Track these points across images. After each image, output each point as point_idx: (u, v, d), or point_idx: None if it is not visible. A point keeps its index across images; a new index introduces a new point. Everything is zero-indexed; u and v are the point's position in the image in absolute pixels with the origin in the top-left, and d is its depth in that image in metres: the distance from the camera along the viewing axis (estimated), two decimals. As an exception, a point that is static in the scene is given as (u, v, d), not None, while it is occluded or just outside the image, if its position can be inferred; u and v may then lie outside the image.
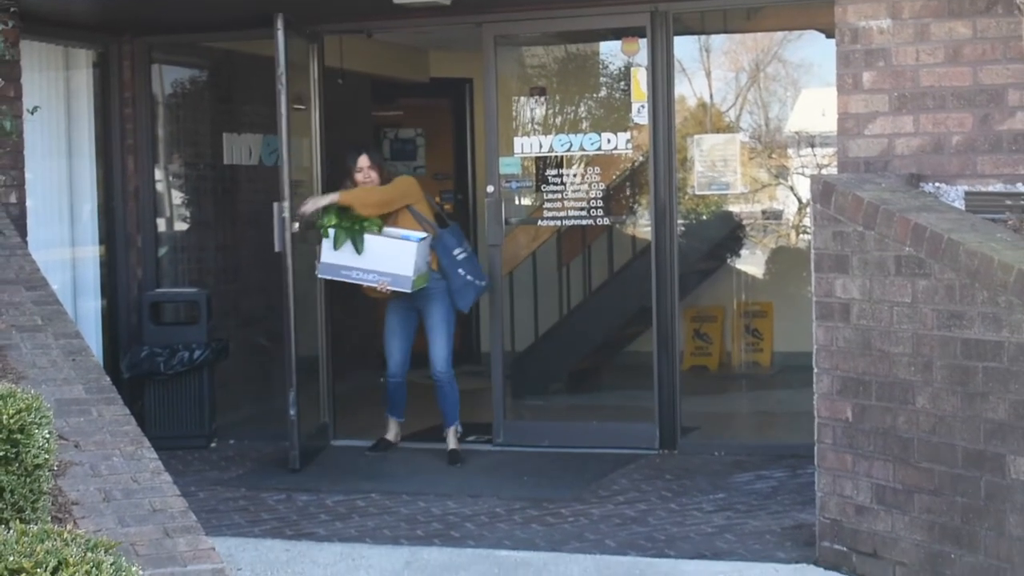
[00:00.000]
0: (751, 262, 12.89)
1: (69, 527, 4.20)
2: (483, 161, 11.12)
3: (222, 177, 12.15)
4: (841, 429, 7.36)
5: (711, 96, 12.72)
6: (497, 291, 10.88)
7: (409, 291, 9.62)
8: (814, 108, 12.17)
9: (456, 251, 10.09)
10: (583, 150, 10.82)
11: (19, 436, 4.50)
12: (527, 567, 7.51)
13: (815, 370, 7.50)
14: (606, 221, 11.06)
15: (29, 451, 4.53)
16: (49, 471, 4.66)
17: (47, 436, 4.62)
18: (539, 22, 10.91)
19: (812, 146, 12.33)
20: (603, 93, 11.97)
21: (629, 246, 11.71)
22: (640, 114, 10.42)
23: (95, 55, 10.99)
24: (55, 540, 3.74)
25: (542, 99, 11.73)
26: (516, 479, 9.50)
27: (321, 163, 11.12)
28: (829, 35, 8.36)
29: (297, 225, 10.24)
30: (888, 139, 7.77)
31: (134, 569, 3.73)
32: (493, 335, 10.84)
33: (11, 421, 4.49)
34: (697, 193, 11.52)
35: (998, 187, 7.49)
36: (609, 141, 10.79)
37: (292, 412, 10.17)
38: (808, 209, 7.76)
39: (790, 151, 12.98)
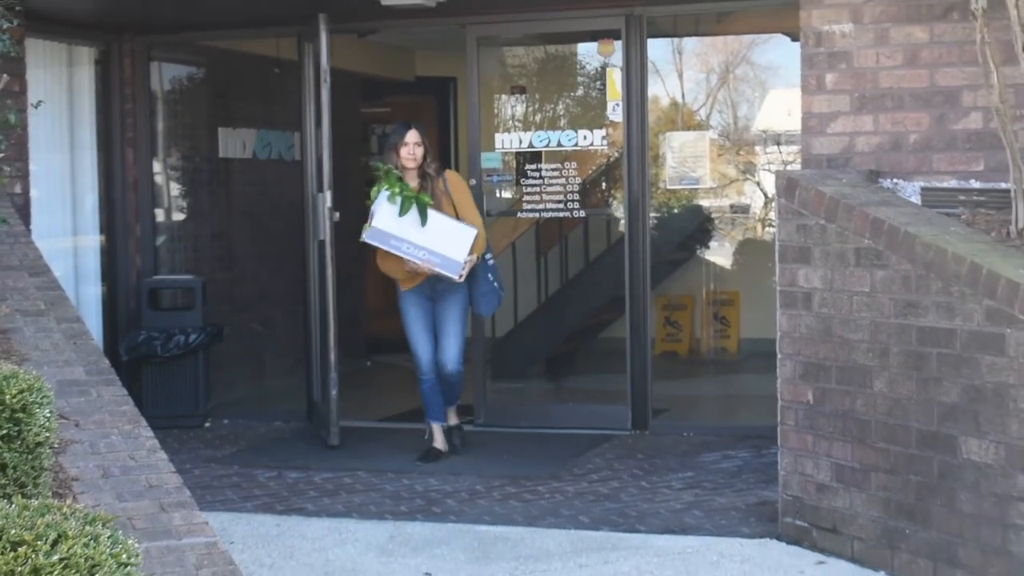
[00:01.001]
0: (719, 253, 12.92)
1: (69, 502, 4.20)
2: (466, 156, 11.12)
3: (217, 170, 12.14)
4: (803, 411, 7.38)
5: (683, 95, 12.73)
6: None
7: (456, 278, 8.86)
8: (780, 108, 12.19)
9: (487, 255, 9.40)
10: (561, 146, 10.82)
11: (21, 415, 4.50)
12: (505, 541, 7.52)
13: (779, 356, 7.52)
14: (582, 213, 11.07)
15: (31, 429, 4.53)
16: (50, 448, 4.66)
17: (48, 415, 4.61)
18: (520, 24, 10.92)
19: (778, 144, 12.35)
20: (580, 92, 11.97)
21: (604, 237, 11.73)
22: (615, 112, 10.43)
23: (97, 52, 10.98)
24: (55, 514, 3.73)
25: (522, 97, 11.74)
26: (495, 458, 9.52)
27: (322, 152, 11.06)
28: (794, 38, 8.36)
29: (338, 215, 10.23)
30: (849, 137, 7.79)
31: (130, 542, 3.72)
32: (474, 321, 10.84)
33: (14, 401, 4.49)
34: (668, 188, 11.53)
35: (952, 183, 7.52)
36: (585, 138, 10.80)
37: (334, 392, 10.19)
38: (773, 203, 7.77)
39: (757, 148, 13.00)
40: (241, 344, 11.76)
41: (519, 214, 10.92)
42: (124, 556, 3.65)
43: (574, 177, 10.82)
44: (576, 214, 10.97)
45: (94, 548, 3.62)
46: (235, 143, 12.22)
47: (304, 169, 11.13)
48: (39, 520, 3.68)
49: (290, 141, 12.06)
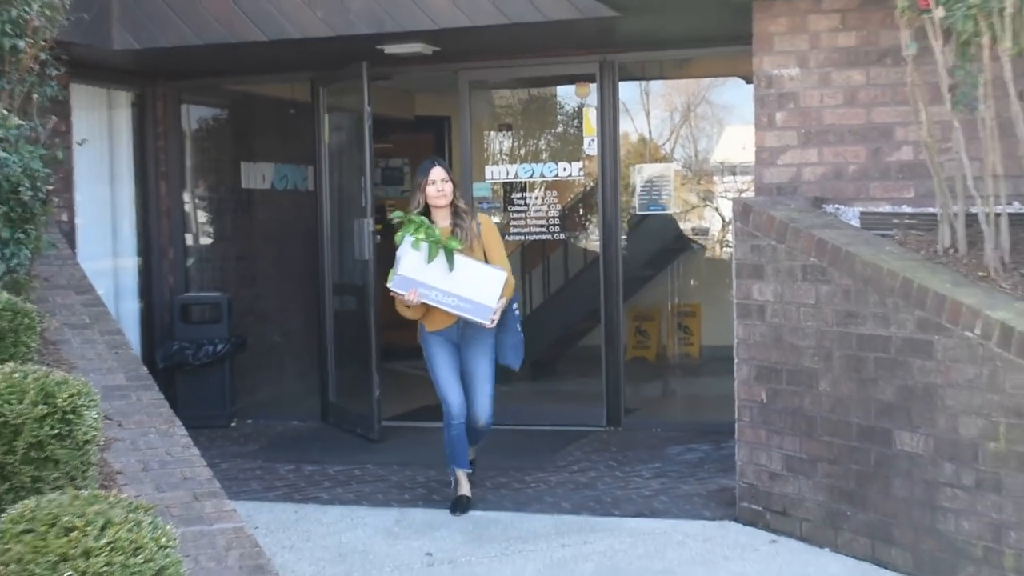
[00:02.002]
0: (683, 271, 12.92)
1: (114, 492, 4.21)
2: (458, 184, 11.13)
3: (240, 199, 12.15)
4: (757, 409, 7.41)
5: (650, 132, 12.73)
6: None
7: (488, 324, 7.50)
8: (735, 142, 12.18)
9: (514, 304, 8.10)
10: (543, 177, 10.86)
11: (71, 416, 4.51)
12: (496, 524, 7.55)
13: (735, 360, 7.55)
14: (562, 236, 11.11)
15: (80, 429, 4.54)
16: (96, 446, 4.67)
17: (95, 416, 4.63)
18: (506, 69, 10.94)
19: (733, 174, 12.35)
20: (559, 129, 11.97)
21: (581, 257, 11.72)
22: (591, 147, 10.47)
23: (133, 96, 10.99)
24: (102, 503, 3.75)
25: (508, 134, 11.73)
26: (488, 452, 9.51)
27: (330, 184, 11.17)
28: (748, 81, 8.39)
29: (379, 237, 10.33)
30: (797, 168, 7.82)
31: (168, 527, 3.74)
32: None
33: (64, 404, 4.50)
34: (638, 213, 11.55)
35: (887, 208, 7.55)
36: (564, 169, 10.83)
37: (376, 393, 10.27)
38: (730, 226, 7.79)
39: (715, 178, 12.99)
40: (262, 353, 11.77)
41: (507, 237, 10.92)
42: (163, 540, 3.68)
43: (555, 204, 10.88)
44: (557, 237, 11.03)
45: (137, 533, 3.64)
46: (255, 175, 12.24)
47: (318, 198, 11.16)
48: (88, 508, 3.70)
49: (304, 173, 12.07)
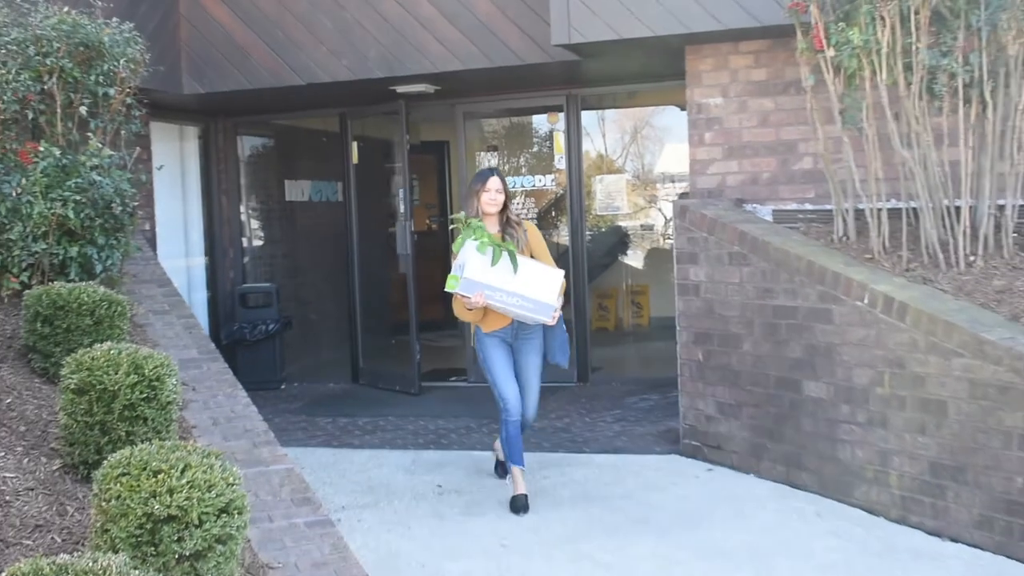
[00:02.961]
0: (634, 258, 12.95)
1: (191, 442, 4.24)
2: (456, 195, 11.13)
3: (284, 209, 12.15)
4: (695, 366, 7.45)
5: (606, 149, 12.75)
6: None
7: (551, 322, 6.34)
8: (674, 157, 12.20)
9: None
10: (523, 187, 10.86)
11: (156, 383, 4.53)
12: (491, 462, 7.56)
13: (677, 328, 7.59)
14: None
15: (163, 393, 4.56)
16: (176, 406, 4.69)
17: (174, 383, 4.65)
18: (492, 102, 10.94)
19: (673, 181, 12.37)
20: (535, 148, 11.97)
21: (554, 249, 11.65)
22: (560, 162, 10.45)
23: (199, 130, 10.98)
24: (182, 451, 3.77)
25: (495, 153, 11.72)
26: (482, 405, 9.50)
27: (355, 196, 11.18)
28: (683, 108, 8.41)
29: (416, 235, 10.45)
30: (722, 176, 7.85)
31: (234, 469, 3.76)
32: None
33: (151, 373, 4.52)
34: (598, 214, 11.59)
35: (793, 206, 7.58)
36: (540, 180, 10.86)
37: (417, 357, 10.38)
38: (671, 223, 7.82)
39: (658, 185, 13.01)
40: (304, 331, 11.78)
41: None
42: (231, 478, 3.69)
43: (533, 208, 10.89)
44: (535, 234, 11.07)
45: (210, 473, 3.66)
46: (296, 190, 12.25)
47: (346, 207, 11.17)
48: (171, 455, 3.71)
49: (335, 188, 12.07)
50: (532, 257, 6.50)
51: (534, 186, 10.85)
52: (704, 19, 7.41)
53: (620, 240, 12.63)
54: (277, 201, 12.11)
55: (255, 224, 11.88)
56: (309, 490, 4.86)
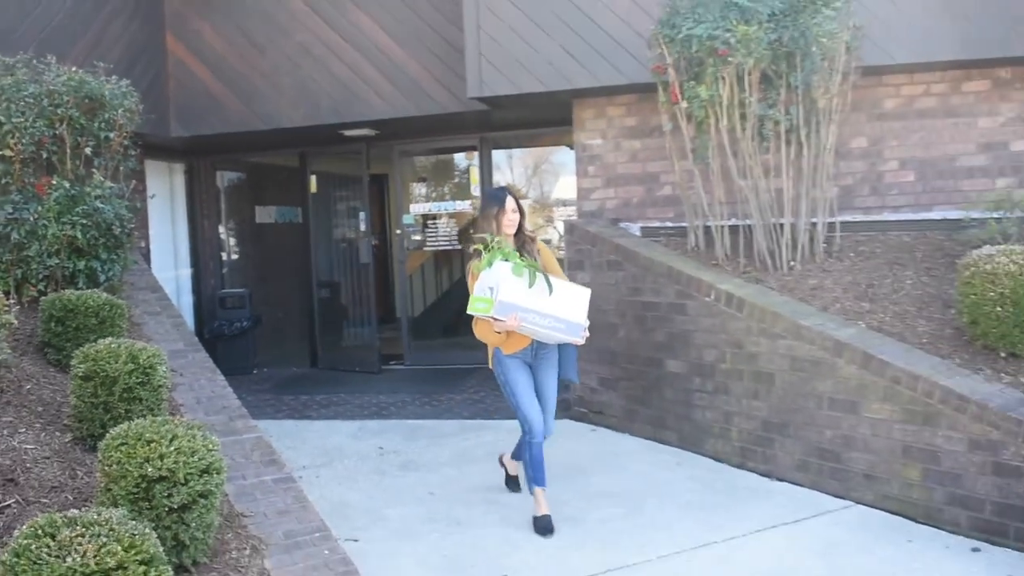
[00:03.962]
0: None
1: (178, 417, 4.20)
2: (395, 217, 11.08)
3: (255, 230, 11.97)
4: (582, 349, 7.51)
5: (513, 179, 12.75)
6: (405, 284, 10.88)
7: (580, 341, 5.13)
8: (566, 186, 12.25)
9: None
10: (446, 210, 10.86)
11: (149, 370, 4.48)
12: (423, 428, 7.57)
13: (568, 320, 7.65)
14: (459, 247, 11.13)
15: (155, 378, 4.51)
16: (166, 388, 4.64)
17: (164, 369, 4.60)
18: (422, 143, 10.90)
19: (565, 205, 12.38)
20: (456, 179, 11.93)
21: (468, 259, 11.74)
22: (475, 190, 10.50)
23: (185, 166, 10.80)
24: (171, 425, 3.75)
25: (424, 183, 11.69)
26: (417, 383, 9.54)
27: (313, 218, 11.10)
28: (571, 148, 8.48)
29: (375, 241, 10.63)
30: (602, 201, 7.93)
31: (213, 438, 3.75)
32: (402, 306, 10.83)
33: (145, 362, 4.47)
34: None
35: (657, 224, 7.66)
36: (460, 205, 10.86)
37: (378, 343, 10.44)
38: (563, 238, 7.88)
39: (555, 208, 13.04)
40: (272, 327, 11.62)
41: (424, 248, 10.92)
42: (210, 445, 3.68)
43: (454, 227, 10.89)
44: (456, 247, 11.03)
45: (193, 441, 3.65)
46: (265, 214, 12.08)
47: (306, 227, 11.09)
48: (162, 428, 3.69)
49: (296, 212, 11.92)
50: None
51: (455, 209, 10.84)
52: (586, 77, 7.49)
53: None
54: (249, 223, 11.94)
55: (232, 241, 11.70)
56: (275, 453, 4.83)
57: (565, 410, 7.74)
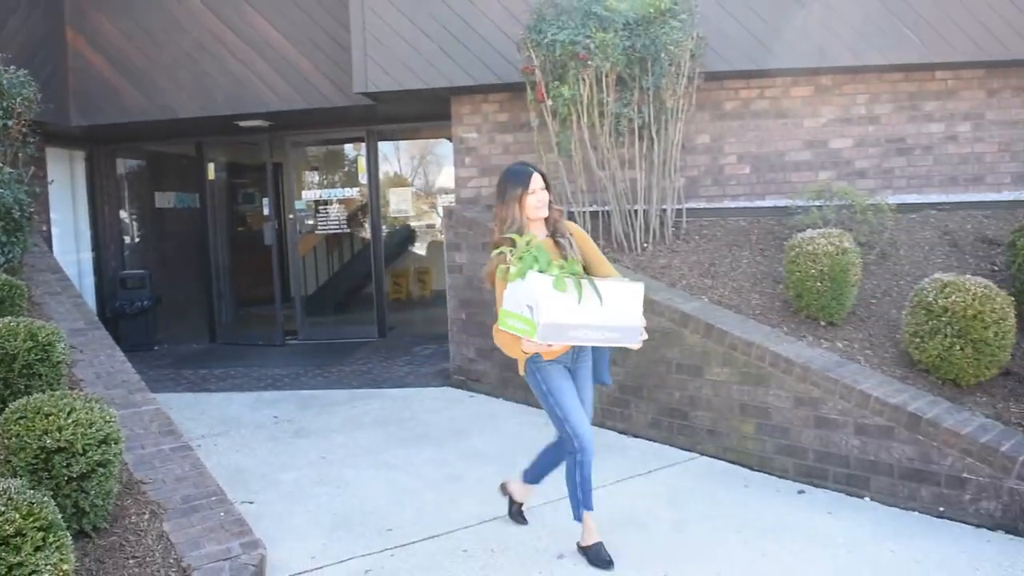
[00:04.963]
0: (420, 248, 12.91)
1: (76, 391, 4.02)
2: (288, 203, 10.84)
3: (155, 214, 11.52)
4: (460, 324, 7.52)
5: (400, 169, 12.64)
6: (298, 264, 10.66)
7: (638, 345, 3.70)
8: (447, 175, 12.23)
9: None
10: (336, 196, 10.68)
11: (48, 347, 4.27)
12: (315, 398, 7.44)
13: (448, 296, 7.62)
14: (348, 230, 10.97)
15: (54, 354, 4.30)
16: (65, 364, 4.44)
17: (63, 347, 4.39)
18: (313, 134, 10.69)
19: (447, 193, 12.39)
20: (345, 168, 11.73)
21: (360, 242, 11.56)
22: (363, 179, 10.35)
23: (86, 153, 10.29)
24: (69, 398, 3.59)
25: (316, 172, 11.47)
26: (310, 356, 9.38)
27: (211, 204, 10.74)
28: (451, 140, 8.45)
29: (276, 226, 10.36)
30: (478, 189, 7.92)
31: (111, 410, 3.61)
32: (296, 285, 10.61)
33: (44, 339, 4.27)
34: (392, 216, 11.50)
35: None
36: (348, 192, 10.69)
37: (281, 317, 10.23)
38: (444, 222, 7.85)
39: (438, 195, 13.01)
40: (172, 305, 11.22)
41: (316, 231, 10.72)
42: (107, 417, 3.54)
43: (344, 212, 10.71)
44: (345, 231, 10.86)
45: (91, 414, 3.50)
46: (164, 200, 11.62)
47: (204, 213, 10.75)
48: (60, 402, 3.53)
49: (194, 198, 11.53)
50: (585, 263, 3.89)
51: (345, 196, 10.66)
52: (463, 76, 7.46)
53: (409, 235, 12.56)
54: (149, 208, 11.47)
55: (134, 226, 11.24)
56: (172, 424, 4.68)
57: (446, 378, 7.76)
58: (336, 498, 5.02)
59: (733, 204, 7.42)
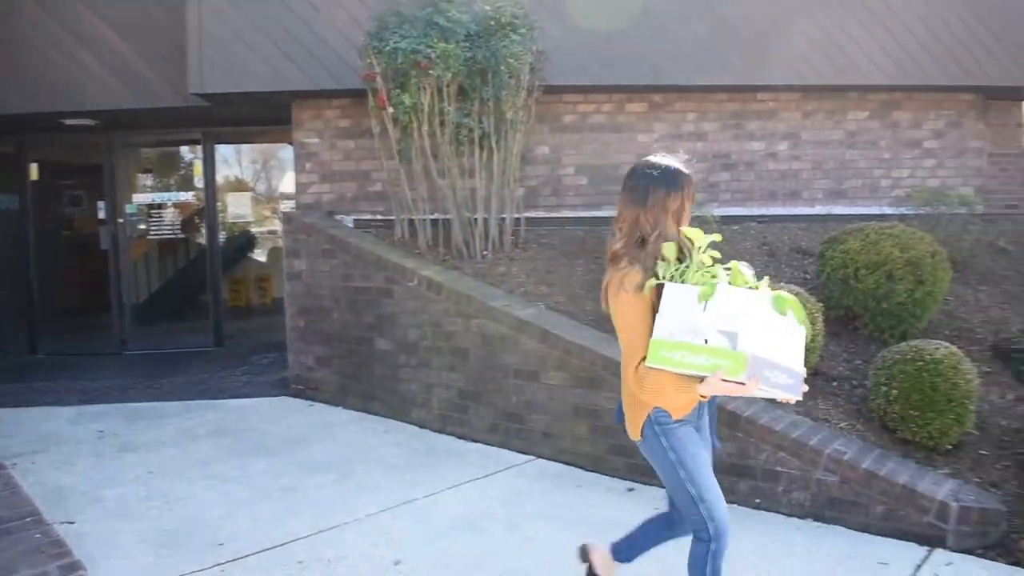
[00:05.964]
0: (260, 254, 12.56)
1: None
2: (119, 206, 10.33)
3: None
4: (299, 332, 7.40)
5: (241, 173, 12.27)
6: (128, 271, 10.18)
7: (799, 397, 2.67)
8: (288, 180, 11.98)
9: None
10: (171, 200, 10.28)
11: None
12: (145, 410, 7.11)
13: (287, 304, 7.50)
14: (184, 235, 10.56)
15: None
16: None
17: None
18: (146, 135, 10.26)
19: (287, 198, 12.14)
20: (181, 171, 11.28)
21: (196, 248, 11.14)
22: (199, 182, 10.02)
23: None
24: None
25: (150, 174, 10.98)
26: (141, 367, 8.98)
27: (33, 206, 10.08)
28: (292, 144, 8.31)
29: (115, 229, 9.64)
30: (318, 195, 7.82)
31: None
32: (126, 293, 10.12)
33: None
34: (231, 221, 11.15)
35: (368, 217, 7.65)
36: (184, 196, 10.30)
37: (118, 326, 9.70)
38: (282, 228, 7.70)
39: (280, 201, 12.70)
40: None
41: (148, 236, 10.28)
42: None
43: (179, 216, 10.32)
44: (180, 236, 10.46)
45: None
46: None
47: (24, 215, 10.07)
48: None
49: (14, 200, 10.79)
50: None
51: (180, 200, 10.28)
52: (304, 81, 7.36)
53: (249, 241, 12.20)
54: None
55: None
56: (-17, 440, 4.38)
57: (285, 388, 7.62)
58: (165, 514, 4.84)
59: (571, 214, 7.64)
